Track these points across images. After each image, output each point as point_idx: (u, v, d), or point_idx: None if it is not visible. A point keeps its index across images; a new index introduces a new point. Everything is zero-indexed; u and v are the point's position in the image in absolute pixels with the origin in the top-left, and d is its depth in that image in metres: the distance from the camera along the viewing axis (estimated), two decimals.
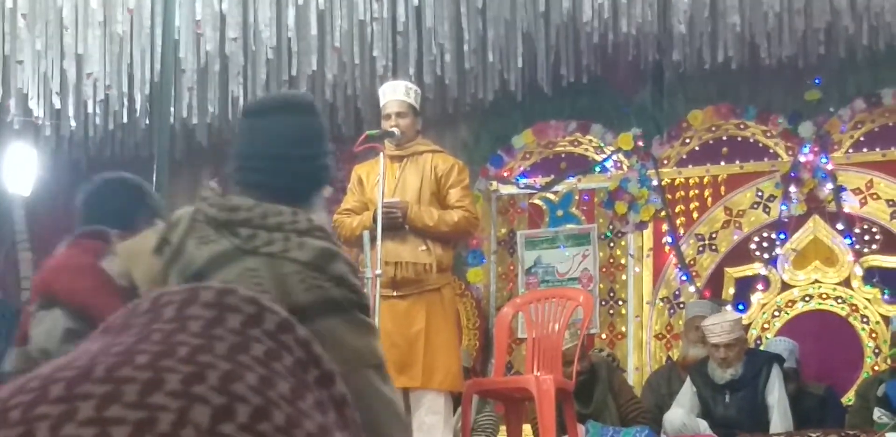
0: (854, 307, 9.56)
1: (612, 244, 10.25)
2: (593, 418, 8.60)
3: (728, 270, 9.93)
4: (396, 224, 7.11)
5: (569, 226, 10.36)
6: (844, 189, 9.63)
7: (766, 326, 9.72)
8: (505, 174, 10.58)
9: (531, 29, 9.54)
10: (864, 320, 9.52)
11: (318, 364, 0.78)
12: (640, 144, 10.13)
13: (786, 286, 9.77)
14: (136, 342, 0.74)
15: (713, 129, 10.09)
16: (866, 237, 9.56)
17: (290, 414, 0.72)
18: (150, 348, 0.73)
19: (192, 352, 0.73)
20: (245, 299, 0.78)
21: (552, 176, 10.51)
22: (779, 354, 8.56)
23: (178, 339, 0.74)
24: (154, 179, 6.51)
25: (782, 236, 9.73)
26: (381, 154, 7.15)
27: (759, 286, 9.77)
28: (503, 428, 8.15)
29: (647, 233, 10.14)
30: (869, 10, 8.97)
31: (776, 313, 9.76)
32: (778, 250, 9.74)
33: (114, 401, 0.69)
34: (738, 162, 10.04)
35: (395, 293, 7.05)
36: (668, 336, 9.98)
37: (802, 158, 9.70)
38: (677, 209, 10.11)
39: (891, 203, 9.58)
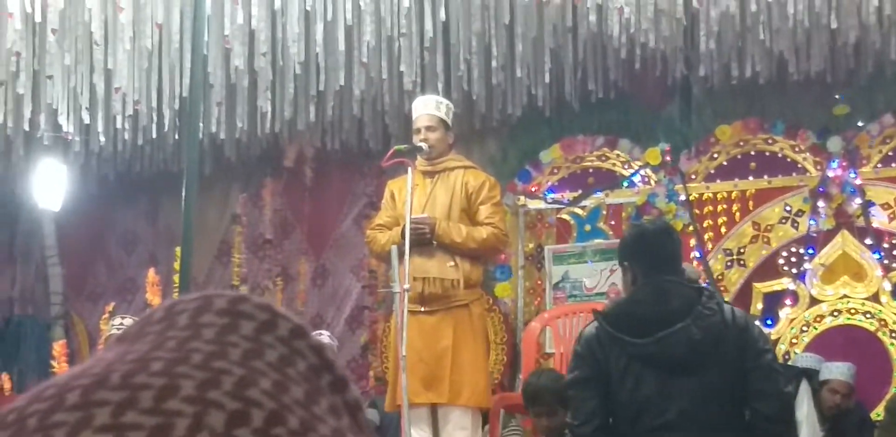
0: (883, 322, 9.52)
1: None
2: None
3: (756, 285, 9.90)
4: (424, 240, 7.11)
5: (596, 241, 10.33)
6: (873, 204, 9.59)
7: (794, 341, 9.69)
8: (533, 189, 10.57)
9: (558, 44, 9.55)
10: (893, 335, 9.47)
11: (330, 370, 0.78)
12: (668, 158, 10.11)
13: (814, 301, 9.73)
14: (150, 350, 0.75)
15: (741, 143, 10.06)
16: (895, 252, 9.52)
17: (304, 418, 0.72)
18: (165, 355, 0.74)
19: (206, 358, 0.73)
20: (258, 306, 0.78)
21: (580, 191, 10.49)
22: (808, 368, 8.53)
23: (192, 346, 0.75)
24: (183, 194, 6.54)
25: (811, 251, 9.70)
26: (410, 170, 7.17)
27: (788, 301, 9.74)
28: None
29: None
30: None
31: (804, 329, 9.72)
32: (806, 265, 9.71)
33: (130, 407, 0.69)
34: (766, 177, 10.01)
35: (422, 309, 7.05)
36: None
37: (831, 173, 9.66)
38: (705, 224, 10.09)
39: None
